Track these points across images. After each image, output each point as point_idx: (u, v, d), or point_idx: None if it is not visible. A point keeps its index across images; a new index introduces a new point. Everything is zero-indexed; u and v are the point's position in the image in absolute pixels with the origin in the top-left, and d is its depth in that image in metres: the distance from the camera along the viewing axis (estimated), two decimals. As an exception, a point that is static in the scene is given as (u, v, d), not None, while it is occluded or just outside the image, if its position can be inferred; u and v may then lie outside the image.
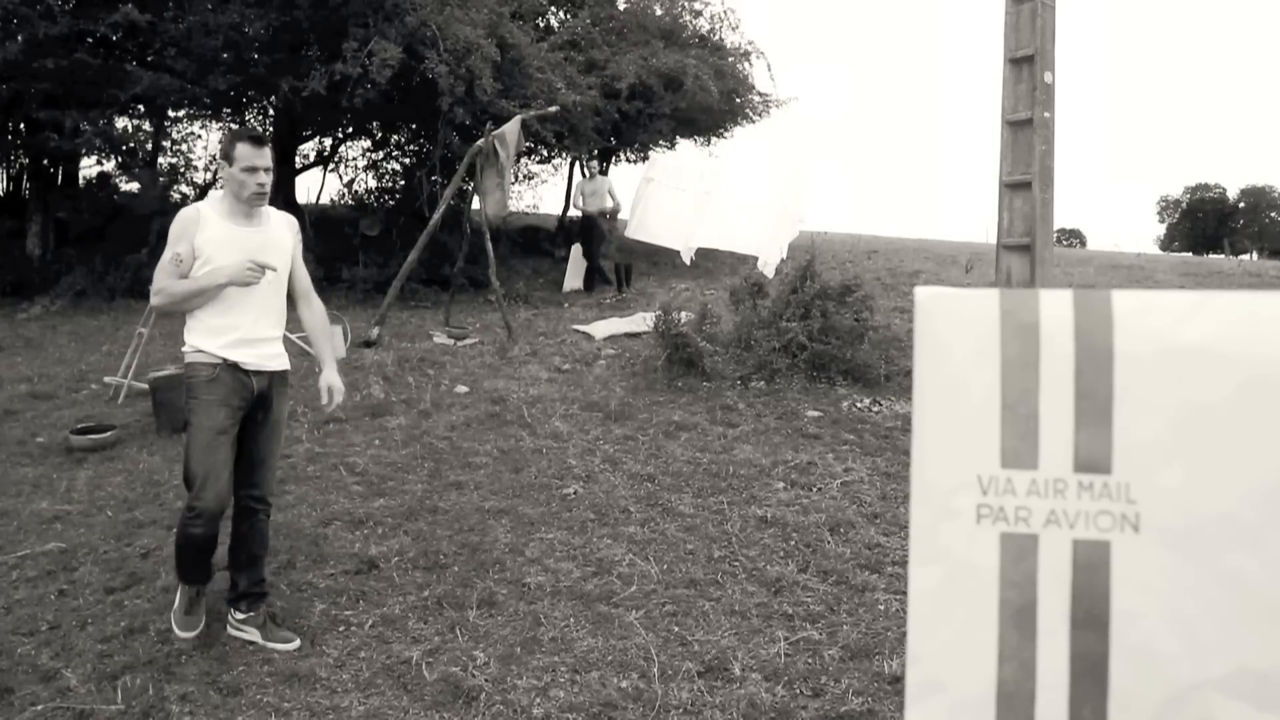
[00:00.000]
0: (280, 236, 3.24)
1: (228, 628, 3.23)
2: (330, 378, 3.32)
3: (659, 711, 2.76)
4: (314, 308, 3.42)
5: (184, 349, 3.14)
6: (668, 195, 12.80)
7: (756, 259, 10.46)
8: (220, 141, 3.11)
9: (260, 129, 15.28)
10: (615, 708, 2.77)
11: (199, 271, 3.05)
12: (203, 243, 3.04)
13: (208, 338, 3.07)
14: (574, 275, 12.62)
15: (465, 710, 2.78)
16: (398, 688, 2.90)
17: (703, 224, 12.23)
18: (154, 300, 3.09)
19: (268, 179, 3.09)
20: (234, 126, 14.98)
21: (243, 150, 3.05)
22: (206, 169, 15.22)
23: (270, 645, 3.14)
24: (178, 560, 3.13)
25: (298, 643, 3.16)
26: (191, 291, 3.03)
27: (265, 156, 3.08)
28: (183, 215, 3.10)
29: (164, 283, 3.05)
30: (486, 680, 2.93)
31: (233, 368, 3.07)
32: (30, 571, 3.76)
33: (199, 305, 3.07)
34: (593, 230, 12.00)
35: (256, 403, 3.16)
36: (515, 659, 3.06)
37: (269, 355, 3.18)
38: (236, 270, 3.01)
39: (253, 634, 3.17)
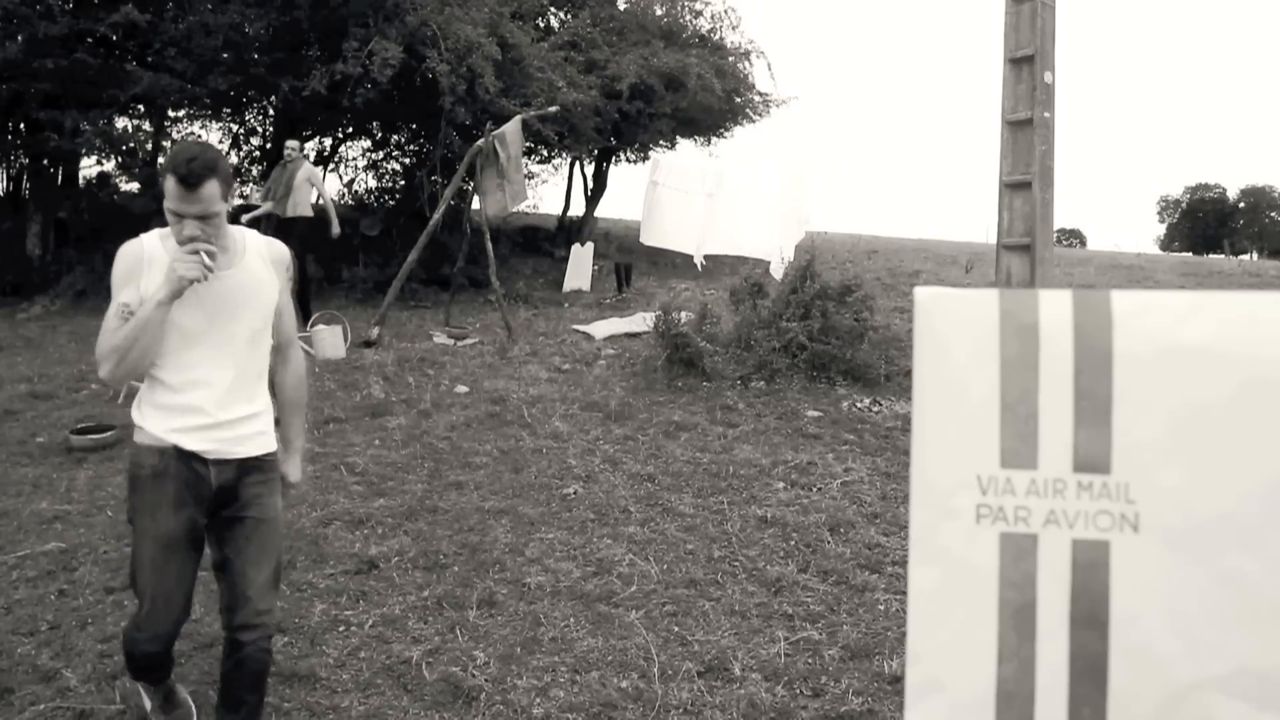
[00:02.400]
0: (259, 275, 2.33)
1: None
2: (291, 468, 2.55)
3: (659, 711, 2.76)
4: (291, 367, 2.56)
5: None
6: (675, 199, 12.80)
7: (764, 262, 10.45)
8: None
9: (266, 130, 15.22)
10: (615, 708, 2.77)
11: None
12: (150, 287, 2.19)
13: (155, 416, 2.27)
14: (574, 275, 12.63)
15: (465, 710, 2.78)
16: (398, 688, 2.90)
17: (711, 228, 12.22)
18: (101, 371, 2.25)
19: (206, 229, 2.16)
20: (234, 126, 14.93)
21: (169, 188, 2.13)
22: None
23: None
24: (128, 662, 2.50)
25: None
26: (131, 336, 2.17)
27: (197, 202, 2.12)
28: (126, 252, 2.24)
29: (106, 343, 2.21)
30: (486, 680, 2.93)
31: (186, 457, 2.26)
32: (30, 571, 3.76)
33: (155, 351, 2.23)
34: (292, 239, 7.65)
35: (223, 501, 2.32)
36: (515, 659, 3.06)
37: (240, 438, 2.32)
38: (169, 278, 2.13)
39: None
